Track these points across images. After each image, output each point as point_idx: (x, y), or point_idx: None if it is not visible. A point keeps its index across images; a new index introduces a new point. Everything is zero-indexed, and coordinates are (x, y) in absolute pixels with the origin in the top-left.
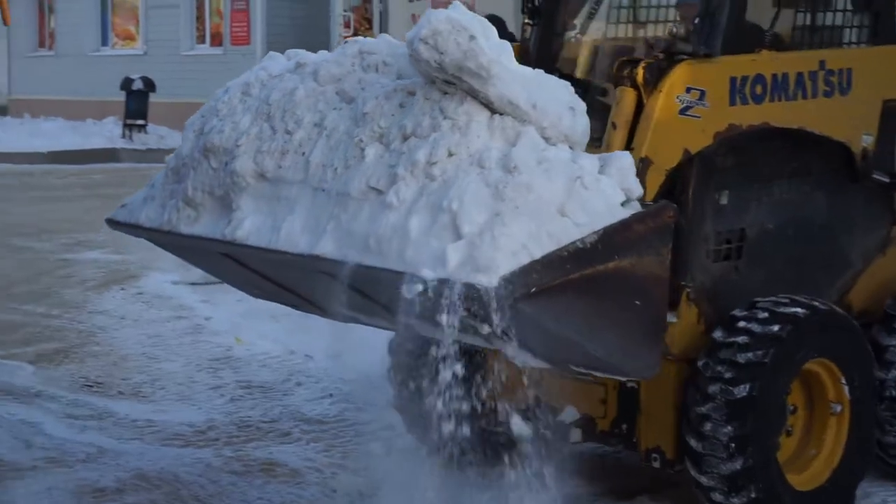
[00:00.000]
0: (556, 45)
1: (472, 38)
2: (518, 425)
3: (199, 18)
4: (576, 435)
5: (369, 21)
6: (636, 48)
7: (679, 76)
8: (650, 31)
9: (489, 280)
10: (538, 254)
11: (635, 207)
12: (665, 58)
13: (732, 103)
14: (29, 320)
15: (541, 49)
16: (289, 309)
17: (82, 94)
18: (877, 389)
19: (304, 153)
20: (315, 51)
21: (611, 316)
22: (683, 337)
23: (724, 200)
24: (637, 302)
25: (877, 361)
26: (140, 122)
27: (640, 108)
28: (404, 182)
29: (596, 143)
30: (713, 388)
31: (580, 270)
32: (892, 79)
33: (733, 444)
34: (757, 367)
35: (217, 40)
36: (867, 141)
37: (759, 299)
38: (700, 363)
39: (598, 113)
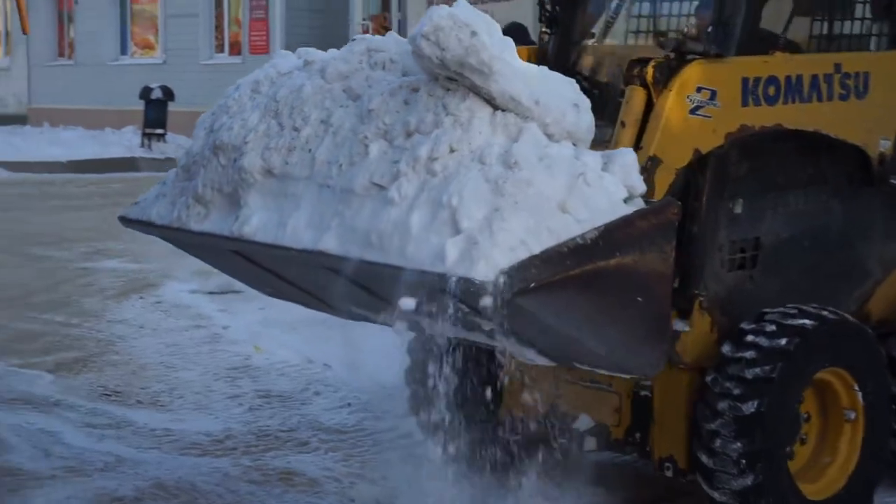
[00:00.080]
0: (575, 54)
1: (473, 34)
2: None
3: (218, 27)
4: (590, 443)
5: (388, 29)
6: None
7: (690, 75)
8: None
9: (486, 275)
10: (537, 249)
11: (638, 204)
12: (676, 57)
13: (745, 104)
14: (48, 329)
15: (559, 57)
16: (307, 318)
17: (101, 103)
18: (892, 399)
19: (310, 150)
20: None
21: (613, 312)
22: (696, 346)
23: (738, 209)
24: (640, 299)
25: (892, 374)
26: (159, 131)
27: (650, 107)
28: (406, 178)
29: (610, 144)
30: (722, 405)
31: (580, 266)
32: None
33: (744, 461)
34: (765, 382)
35: (236, 49)
36: (885, 146)
37: (767, 310)
38: (709, 378)
39: (615, 116)
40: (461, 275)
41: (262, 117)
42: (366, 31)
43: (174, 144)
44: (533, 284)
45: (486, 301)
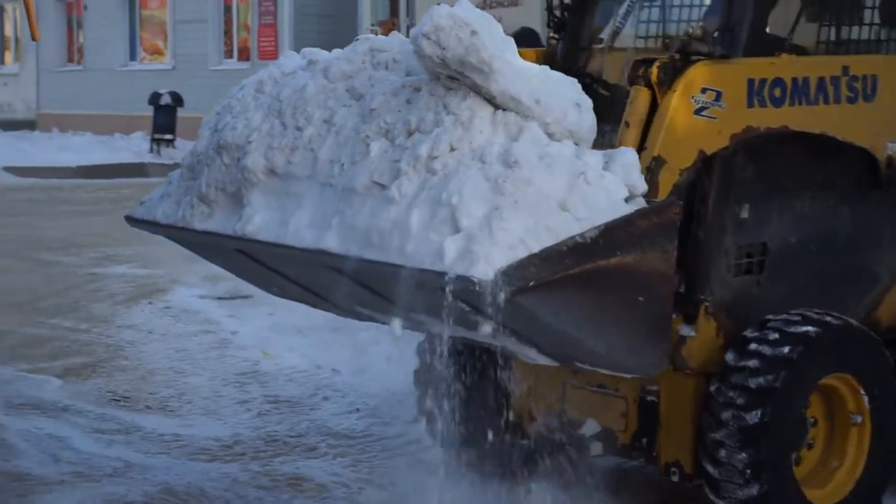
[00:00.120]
0: (583, 59)
1: (473, 33)
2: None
3: (227, 33)
4: (597, 448)
5: None
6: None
7: (695, 76)
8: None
9: (485, 273)
10: (536, 248)
11: (640, 204)
12: (681, 58)
13: (750, 105)
14: (57, 334)
15: (567, 61)
16: (316, 324)
17: (110, 108)
18: None
19: (312, 149)
20: None
21: (613, 312)
22: (702, 351)
23: (744, 214)
24: (641, 298)
25: None
26: (168, 136)
27: (654, 107)
28: (406, 177)
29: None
30: (726, 415)
31: (580, 265)
32: None
33: (749, 471)
34: (768, 391)
35: (245, 55)
36: (893, 149)
37: (770, 317)
38: (713, 388)
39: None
40: (460, 273)
41: (266, 117)
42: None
43: (183, 150)
44: (532, 283)
45: (485, 300)
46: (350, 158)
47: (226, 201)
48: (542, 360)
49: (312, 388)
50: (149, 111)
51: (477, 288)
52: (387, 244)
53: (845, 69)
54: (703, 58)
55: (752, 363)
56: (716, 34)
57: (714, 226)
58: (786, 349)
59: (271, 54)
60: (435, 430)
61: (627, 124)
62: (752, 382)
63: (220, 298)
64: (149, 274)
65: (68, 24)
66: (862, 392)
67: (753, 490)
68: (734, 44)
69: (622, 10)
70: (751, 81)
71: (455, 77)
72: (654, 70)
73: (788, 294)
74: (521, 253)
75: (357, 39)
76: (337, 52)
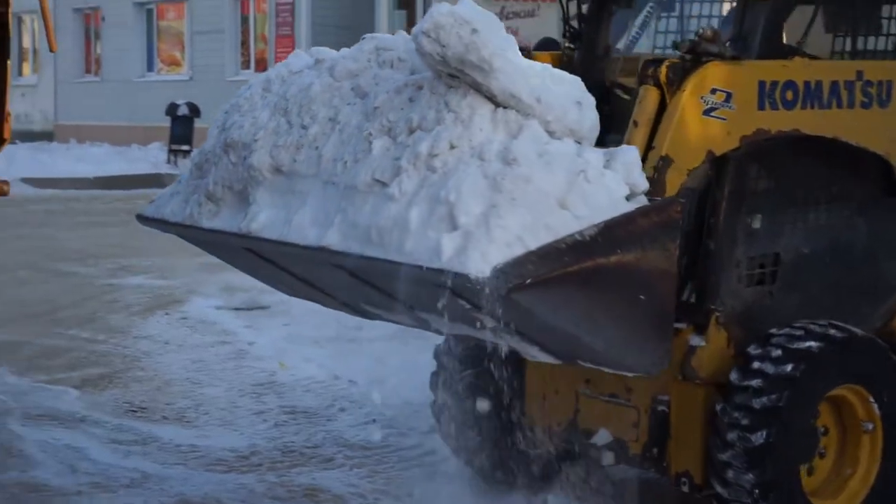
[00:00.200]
0: (599, 70)
1: (474, 31)
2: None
3: (244, 44)
4: (609, 458)
5: None
6: None
7: (704, 76)
8: None
9: (481, 270)
10: (534, 245)
11: (641, 202)
12: (691, 58)
13: (761, 107)
14: (74, 345)
15: (583, 67)
16: (332, 334)
17: (128, 119)
18: None
19: (317, 147)
20: None
21: (614, 310)
22: (712, 361)
23: (756, 224)
24: (642, 296)
25: None
26: (185, 147)
27: (663, 107)
28: (407, 174)
29: None
30: (731, 436)
31: (579, 263)
32: None
33: (757, 491)
34: (773, 411)
35: (262, 66)
36: None
37: (774, 332)
38: (718, 408)
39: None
40: (457, 270)
41: (272, 115)
42: None
43: None
44: (528, 280)
45: (482, 297)
46: (353, 156)
47: (232, 199)
48: (545, 358)
49: (329, 399)
50: (166, 122)
51: (473, 285)
52: (386, 241)
53: (859, 74)
54: (713, 58)
55: (756, 383)
56: (728, 43)
57: (725, 236)
58: (788, 367)
59: None
60: (448, 434)
61: (636, 123)
62: (757, 403)
63: (236, 309)
64: (165, 285)
65: (86, 36)
66: (871, 400)
67: None
68: (747, 52)
69: (638, 20)
70: (762, 83)
71: (456, 75)
72: (664, 69)
73: (802, 305)
74: (519, 250)
75: (363, 38)
76: (344, 51)
